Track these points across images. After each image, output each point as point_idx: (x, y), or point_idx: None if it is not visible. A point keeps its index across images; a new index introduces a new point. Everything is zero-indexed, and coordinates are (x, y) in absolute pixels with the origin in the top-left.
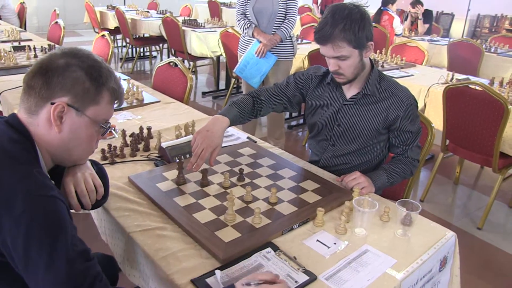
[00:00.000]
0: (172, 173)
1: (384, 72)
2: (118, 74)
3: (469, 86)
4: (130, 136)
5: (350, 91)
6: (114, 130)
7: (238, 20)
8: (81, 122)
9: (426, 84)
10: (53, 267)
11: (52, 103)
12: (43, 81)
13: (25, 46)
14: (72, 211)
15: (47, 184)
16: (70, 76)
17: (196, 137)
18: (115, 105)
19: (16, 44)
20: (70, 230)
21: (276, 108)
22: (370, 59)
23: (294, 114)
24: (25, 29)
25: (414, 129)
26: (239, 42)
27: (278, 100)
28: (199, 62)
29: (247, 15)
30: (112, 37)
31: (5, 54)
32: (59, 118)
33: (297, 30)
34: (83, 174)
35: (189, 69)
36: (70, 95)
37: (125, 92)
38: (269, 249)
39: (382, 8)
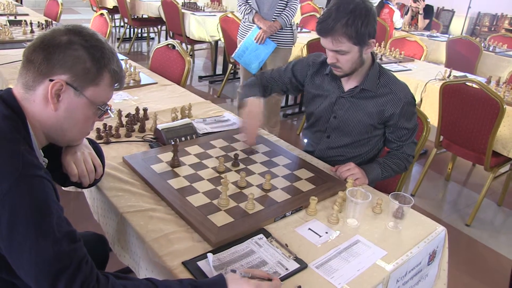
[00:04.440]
0: (167, 155)
1: (382, 66)
2: None
3: (466, 83)
4: (126, 117)
5: (348, 84)
6: (110, 109)
7: (239, 5)
8: (79, 103)
9: (424, 79)
10: (39, 248)
11: (51, 80)
12: (44, 56)
13: (21, 20)
14: (67, 188)
15: (34, 163)
16: (71, 54)
17: (240, 119)
18: (115, 87)
19: (12, 18)
20: (56, 211)
21: (277, 91)
22: (372, 53)
23: (290, 103)
24: (21, 3)
25: (410, 126)
26: (239, 28)
27: (280, 83)
28: (196, 46)
29: (249, 1)
30: (110, 16)
31: (1, 28)
32: (56, 96)
33: (297, 18)
34: (82, 154)
35: (187, 52)
36: (70, 74)
37: None
38: (261, 235)
39: (383, 1)
